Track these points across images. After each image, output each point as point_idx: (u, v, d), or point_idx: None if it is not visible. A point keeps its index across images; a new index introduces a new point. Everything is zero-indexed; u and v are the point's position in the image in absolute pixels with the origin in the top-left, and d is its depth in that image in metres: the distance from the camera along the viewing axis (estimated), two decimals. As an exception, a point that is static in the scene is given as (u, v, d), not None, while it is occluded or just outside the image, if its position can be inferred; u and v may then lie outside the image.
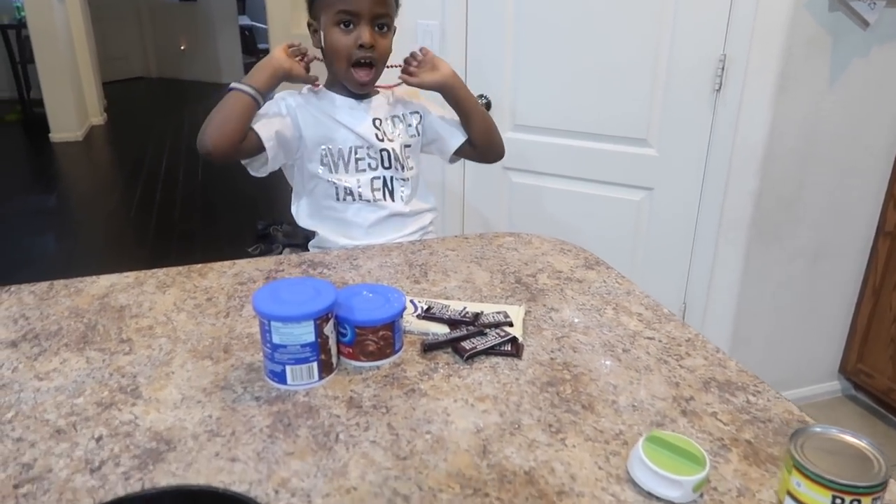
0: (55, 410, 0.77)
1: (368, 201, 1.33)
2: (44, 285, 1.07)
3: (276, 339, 0.79)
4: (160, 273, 1.11)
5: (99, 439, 0.72)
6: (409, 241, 1.26)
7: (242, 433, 0.73)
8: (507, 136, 2.19)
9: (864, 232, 2.16)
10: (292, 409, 0.77)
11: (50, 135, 5.51)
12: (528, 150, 2.17)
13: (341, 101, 1.34)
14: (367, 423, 0.75)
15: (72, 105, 5.56)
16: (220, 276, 1.10)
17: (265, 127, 1.25)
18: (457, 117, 1.43)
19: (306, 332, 0.79)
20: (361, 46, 1.24)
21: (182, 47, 8.28)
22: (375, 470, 0.68)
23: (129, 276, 1.09)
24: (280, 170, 1.37)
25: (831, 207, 2.07)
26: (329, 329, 0.81)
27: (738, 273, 2.06)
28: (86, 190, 4.68)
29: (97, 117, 6.14)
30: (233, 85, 1.23)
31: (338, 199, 1.33)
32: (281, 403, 0.78)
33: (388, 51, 1.29)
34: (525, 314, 0.97)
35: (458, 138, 1.43)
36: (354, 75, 1.27)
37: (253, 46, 8.69)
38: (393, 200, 1.35)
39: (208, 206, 4.24)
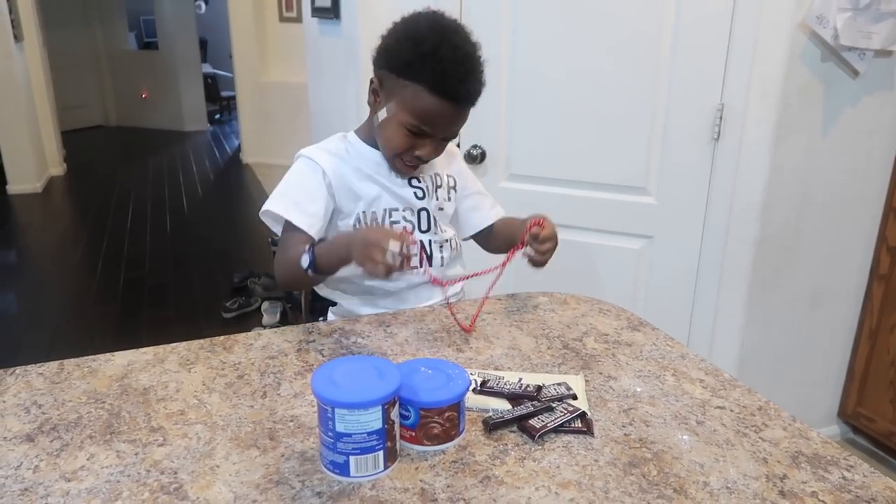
0: (92, 519, 0.68)
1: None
2: (53, 366, 0.97)
3: (339, 428, 0.72)
4: (181, 348, 1.02)
5: (149, 553, 0.64)
6: (440, 305, 1.20)
7: (312, 538, 0.66)
8: (503, 185, 2.17)
9: (858, 276, 2.18)
10: (361, 506, 0.70)
11: (7, 186, 5.31)
12: (524, 200, 2.14)
13: (379, 159, 1.22)
14: (448, 520, 0.68)
15: (30, 155, 5.39)
16: (248, 349, 1.02)
17: (309, 218, 1.15)
18: (485, 194, 1.37)
19: (374, 419, 0.72)
20: (417, 157, 1.15)
21: (144, 95, 8.15)
22: (472, 578, 0.61)
23: (148, 353, 1.01)
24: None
25: (826, 252, 2.09)
26: (395, 414, 0.75)
27: (740, 320, 2.05)
28: (48, 244, 4.49)
29: (56, 168, 5.96)
30: (305, 264, 1.06)
31: None
32: (347, 500, 0.71)
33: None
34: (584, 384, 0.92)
35: (486, 219, 1.35)
36: (399, 166, 1.18)
37: (216, 94, 8.63)
38: (430, 265, 1.24)
39: (179, 258, 4.11)
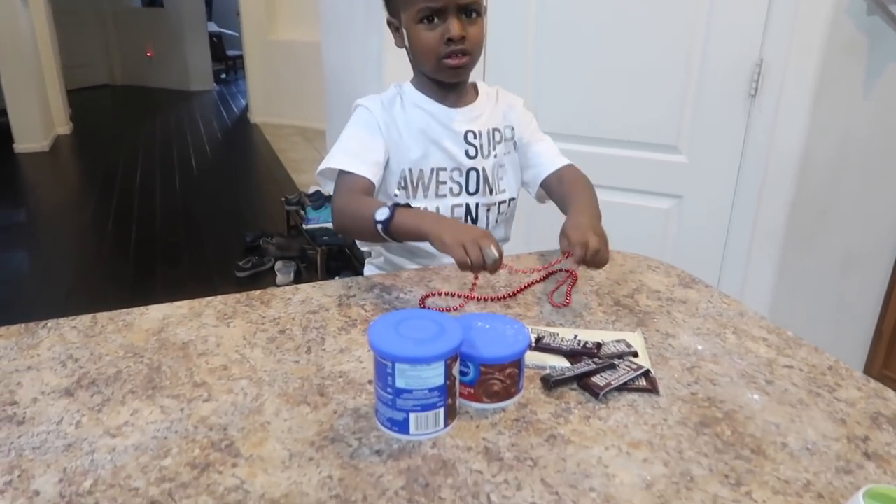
0: (142, 476, 0.65)
1: None
2: (86, 319, 0.93)
3: (400, 384, 0.68)
4: (216, 302, 0.98)
5: (206, 512, 0.60)
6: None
7: (376, 498, 0.62)
8: (529, 143, 2.11)
9: (890, 237, 2.13)
10: (423, 464, 0.66)
11: (14, 145, 5.25)
12: (550, 158, 2.08)
13: (431, 109, 1.16)
14: (517, 479, 0.64)
15: (37, 114, 5.31)
16: (286, 304, 0.98)
17: (372, 167, 1.11)
18: (545, 141, 1.29)
19: (436, 375, 0.68)
20: (450, 41, 1.06)
21: (149, 54, 8.02)
22: (550, 541, 0.58)
23: (183, 307, 0.97)
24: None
25: (860, 214, 2.03)
26: (456, 370, 0.71)
27: (771, 284, 2.00)
28: (57, 203, 4.44)
29: (63, 126, 5.88)
30: (380, 217, 0.98)
31: None
32: (408, 458, 0.67)
33: (482, 38, 1.11)
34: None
35: (550, 164, 1.24)
36: (446, 64, 1.09)
37: (222, 53, 8.49)
38: None
39: (190, 217, 4.07)
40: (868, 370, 2.29)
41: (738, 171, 1.93)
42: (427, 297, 1.00)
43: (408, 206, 1.01)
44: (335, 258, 3.13)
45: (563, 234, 1.00)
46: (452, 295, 1.01)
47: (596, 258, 0.95)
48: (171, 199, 4.39)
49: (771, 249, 1.97)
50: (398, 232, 0.98)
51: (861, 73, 1.83)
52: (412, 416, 0.69)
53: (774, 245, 1.96)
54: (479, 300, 1.00)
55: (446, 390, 0.69)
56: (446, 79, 1.14)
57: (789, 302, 2.04)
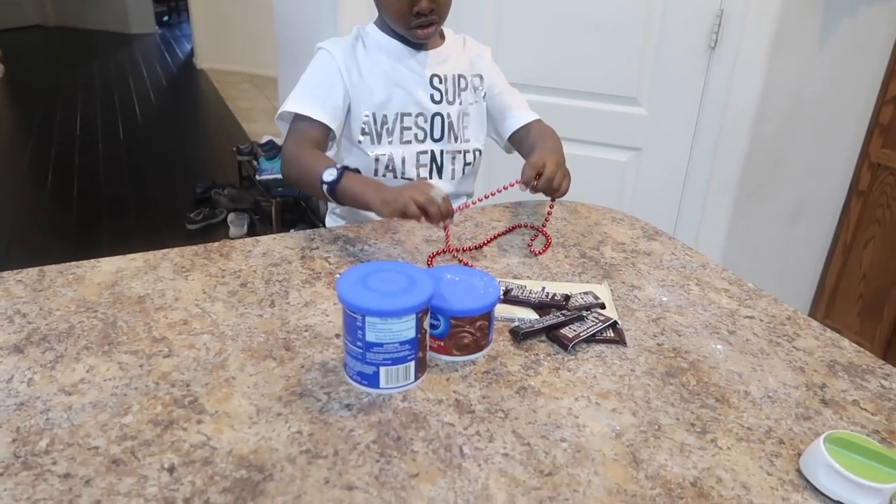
0: (102, 434, 0.62)
1: (410, 179, 1.15)
2: (32, 272, 0.89)
3: (370, 338, 0.66)
4: (173, 254, 0.95)
5: (171, 470, 0.58)
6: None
7: (347, 452, 0.61)
8: (488, 93, 2.08)
9: (838, 191, 2.19)
10: (394, 418, 0.66)
11: (-60, 89, 4.94)
12: (509, 109, 2.06)
13: (396, 51, 1.13)
14: (489, 431, 0.64)
15: (-36, 56, 4.99)
16: (247, 256, 0.95)
17: (330, 112, 1.08)
18: (516, 93, 1.25)
19: (407, 328, 0.67)
20: (419, 14, 1.04)
21: (84, -8, 7.57)
22: (523, 491, 0.58)
23: (137, 259, 0.93)
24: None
25: (810, 167, 2.08)
26: (427, 322, 0.70)
27: (723, 235, 2.05)
28: (-10, 151, 4.22)
29: (-7, 70, 5.55)
30: (328, 178, 0.96)
31: (375, 175, 1.13)
32: (379, 412, 0.66)
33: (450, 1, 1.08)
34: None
35: (519, 120, 1.21)
36: (415, 34, 1.08)
37: (164, -7, 8.08)
38: (440, 177, 1.17)
39: (136, 168, 3.91)
40: (810, 319, 2.39)
41: (696, 124, 1.95)
42: (435, 255, 0.98)
43: (357, 171, 0.99)
44: (290, 210, 3.06)
45: (526, 163, 1.00)
46: (449, 250, 0.99)
47: (549, 184, 0.97)
48: (115, 149, 4.20)
49: (725, 202, 2.00)
50: (343, 196, 0.97)
51: (817, 25, 1.84)
52: (382, 369, 0.68)
53: (728, 197, 1.99)
54: (444, 252, 0.98)
55: (417, 343, 0.68)
56: (414, 40, 1.12)
57: (739, 252, 2.09)
